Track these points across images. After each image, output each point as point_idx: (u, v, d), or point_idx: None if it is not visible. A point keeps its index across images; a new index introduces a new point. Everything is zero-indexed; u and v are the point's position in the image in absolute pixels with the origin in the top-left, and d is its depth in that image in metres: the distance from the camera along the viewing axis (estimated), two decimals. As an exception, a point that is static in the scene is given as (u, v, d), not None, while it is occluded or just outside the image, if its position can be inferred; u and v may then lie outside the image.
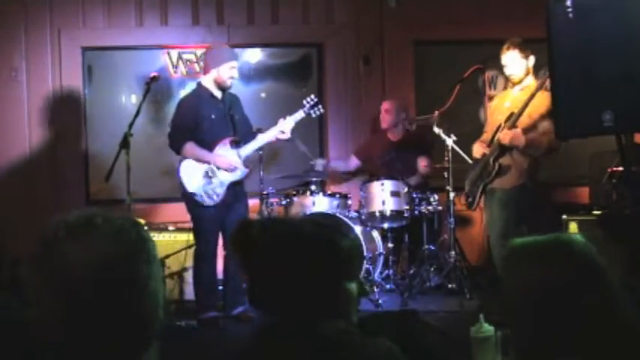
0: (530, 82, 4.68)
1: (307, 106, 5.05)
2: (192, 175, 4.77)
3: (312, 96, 5.13)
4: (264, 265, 1.55)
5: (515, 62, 4.66)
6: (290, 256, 1.53)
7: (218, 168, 4.77)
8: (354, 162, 6.11)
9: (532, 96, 4.43)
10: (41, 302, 1.13)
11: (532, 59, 4.65)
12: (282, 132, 4.91)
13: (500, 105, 4.84)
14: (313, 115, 5.14)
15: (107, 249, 1.13)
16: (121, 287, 1.13)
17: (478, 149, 4.87)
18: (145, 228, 1.21)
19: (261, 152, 5.04)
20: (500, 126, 4.66)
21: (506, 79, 5.00)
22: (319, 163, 5.81)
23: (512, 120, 4.55)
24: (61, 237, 1.13)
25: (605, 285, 1.43)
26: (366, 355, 1.47)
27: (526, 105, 4.48)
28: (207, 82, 4.82)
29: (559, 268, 1.41)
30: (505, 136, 4.55)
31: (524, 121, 4.53)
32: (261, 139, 4.93)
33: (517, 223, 4.58)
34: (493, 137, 4.73)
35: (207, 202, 4.74)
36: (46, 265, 1.13)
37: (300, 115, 5.00)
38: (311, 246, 1.55)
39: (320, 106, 5.11)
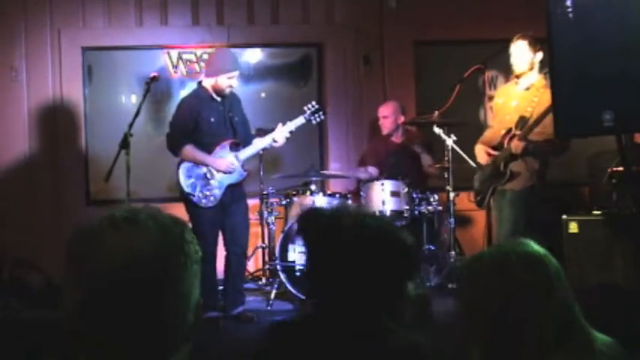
0: (535, 80, 4.65)
1: (308, 112, 5.03)
2: (190, 176, 4.78)
3: (314, 102, 5.11)
4: (332, 254, 1.53)
5: (521, 53, 4.65)
6: (362, 248, 1.51)
7: (217, 170, 4.77)
8: (373, 171, 6.02)
9: (549, 110, 4.39)
10: (71, 291, 1.13)
11: (539, 55, 4.62)
12: (275, 141, 4.90)
13: (507, 104, 4.81)
14: (314, 122, 5.11)
15: (145, 244, 1.12)
16: (153, 285, 1.12)
17: (482, 155, 4.85)
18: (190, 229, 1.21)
19: (261, 152, 5.04)
20: (510, 130, 4.65)
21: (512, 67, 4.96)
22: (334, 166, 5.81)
23: (525, 130, 4.53)
24: (103, 228, 1.13)
25: (556, 297, 1.43)
26: (395, 351, 1.46)
27: (542, 118, 4.44)
28: (207, 84, 4.82)
29: (511, 279, 1.41)
30: (517, 147, 4.55)
31: (537, 131, 4.52)
32: (260, 144, 4.93)
33: (527, 223, 4.57)
34: (502, 140, 4.71)
35: (204, 203, 4.74)
36: (83, 253, 1.13)
37: (300, 120, 4.98)
38: (383, 239, 1.53)
39: (321, 113, 5.07)
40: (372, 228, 1.55)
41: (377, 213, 5.11)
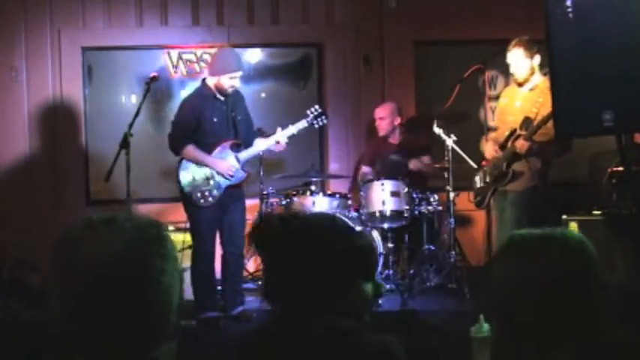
0: (540, 81, 4.64)
1: (311, 116, 5.03)
2: (190, 176, 4.78)
3: (317, 106, 5.12)
4: (281, 259, 1.57)
5: (519, 61, 4.64)
6: (307, 251, 1.54)
7: (217, 172, 4.77)
8: (369, 172, 6.03)
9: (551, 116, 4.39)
10: (55, 294, 1.15)
11: (537, 58, 4.61)
12: (277, 142, 4.90)
13: (511, 105, 4.81)
14: (316, 126, 5.12)
15: (124, 245, 1.15)
16: (132, 283, 1.14)
17: (490, 150, 4.85)
18: (170, 228, 1.23)
19: (261, 153, 5.04)
20: (514, 131, 4.64)
21: (512, 76, 4.97)
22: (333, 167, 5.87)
23: (529, 131, 4.53)
24: (81, 231, 1.15)
25: (595, 284, 1.42)
26: (361, 352, 1.47)
27: (549, 118, 4.43)
28: (210, 82, 4.82)
29: (552, 262, 1.41)
30: (522, 147, 4.55)
31: (540, 132, 4.52)
32: (260, 146, 4.93)
33: (529, 224, 4.56)
34: (506, 140, 4.70)
35: (203, 202, 4.75)
36: (63, 256, 1.16)
37: (302, 124, 4.99)
38: (329, 243, 1.56)
39: (324, 117, 5.08)
40: (322, 231, 1.58)
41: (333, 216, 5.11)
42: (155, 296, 1.16)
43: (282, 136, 4.91)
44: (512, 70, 4.72)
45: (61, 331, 1.14)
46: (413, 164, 5.65)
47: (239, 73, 4.79)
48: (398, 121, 5.86)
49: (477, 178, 4.98)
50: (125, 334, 1.13)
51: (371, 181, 5.50)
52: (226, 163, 4.79)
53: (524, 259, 1.42)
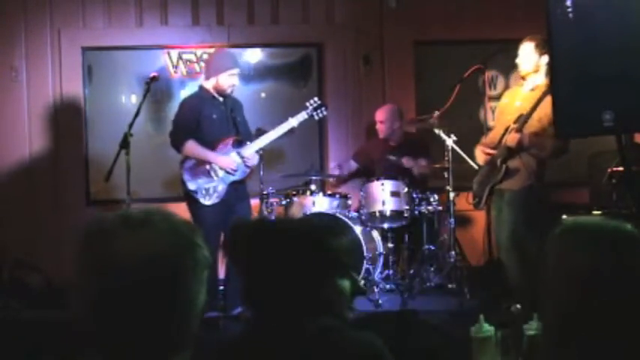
0: (541, 81, 4.65)
1: (310, 108, 5.07)
2: (193, 173, 4.79)
3: (316, 98, 5.16)
4: (255, 264, 1.59)
5: (527, 54, 4.64)
6: (277, 255, 1.57)
7: (220, 168, 4.79)
8: (352, 165, 6.08)
9: (541, 99, 4.40)
10: (81, 290, 1.13)
11: (545, 58, 4.61)
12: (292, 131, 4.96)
13: (511, 104, 4.81)
14: (316, 118, 5.16)
15: (158, 246, 1.14)
16: (160, 286, 1.13)
17: (480, 155, 4.86)
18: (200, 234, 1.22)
19: (261, 152, 5.05)
20: (508, 127, 4.65)
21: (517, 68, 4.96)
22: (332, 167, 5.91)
23: (520, 122, 4.54)
24: (116, 227, 1.14)
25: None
26: (347, 350, 1.48)
27: (535, 107, 4.45)
28: (209, 85, 4.84)
29: (613, 252, 1.39)
30: (512, 139, 4.55)
31: (533, 124, 4.52)
32: (263, 140, 4.94)
33: (526, 223, 4.57)
34: (501, 138, 4.71)
35: (208, 201, 4.76)
36: (94, 252, 1.14)
37: (302, 116, 5.02)
38: (297, 245, 1.58)
39: (323, 109, 5.11)
40: (291, 232, 1.62)
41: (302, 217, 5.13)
42: (182, 302, 1.15)
43: (284, 128, 4.96)
44: (518, 60, 4.72)
45: (82, 329, 1.13)
46: (405, 161, 5.65)
47: (236, 70, 4.82)
48: (398, 125, 5.84)
49: (475, 180, 4.98)
50: (147, 337, 1.12)
51: (371, 181, 5.49)
52: (229, 158, 4.81)
53: (583, 248, 1.41)
